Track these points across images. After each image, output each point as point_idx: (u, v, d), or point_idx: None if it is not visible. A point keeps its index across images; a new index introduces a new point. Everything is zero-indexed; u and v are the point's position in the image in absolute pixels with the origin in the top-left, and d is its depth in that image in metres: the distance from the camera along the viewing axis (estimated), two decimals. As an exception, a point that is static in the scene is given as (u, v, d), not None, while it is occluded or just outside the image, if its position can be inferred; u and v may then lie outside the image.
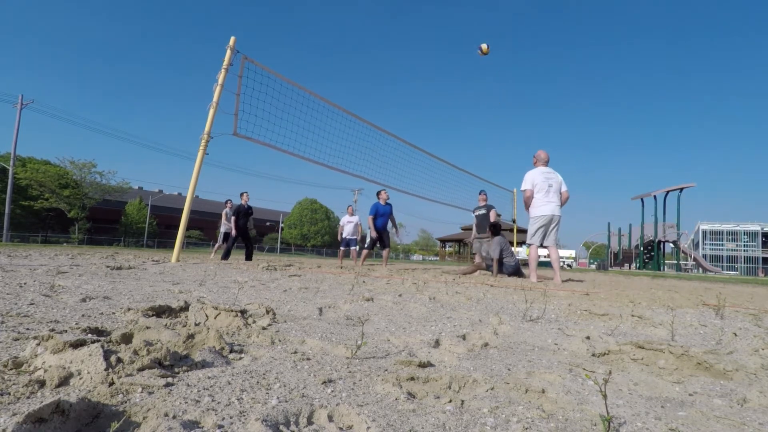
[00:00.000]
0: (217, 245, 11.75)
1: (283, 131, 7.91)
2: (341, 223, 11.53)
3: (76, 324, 1.60)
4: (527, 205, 6.20)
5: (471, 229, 8.78)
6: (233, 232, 9.61)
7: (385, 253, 9.65)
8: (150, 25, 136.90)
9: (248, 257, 9.88)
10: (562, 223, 6.17)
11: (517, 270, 7.35)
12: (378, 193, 9.60)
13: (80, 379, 0.99)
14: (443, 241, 52.67)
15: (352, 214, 11.48)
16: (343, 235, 11.41)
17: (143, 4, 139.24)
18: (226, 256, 9.38)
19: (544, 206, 6.01)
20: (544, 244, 6.10)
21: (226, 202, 11.69)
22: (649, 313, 2.70)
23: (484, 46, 8.04)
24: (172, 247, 7.05)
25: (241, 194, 9.89)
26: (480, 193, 9.06)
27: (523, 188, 6.26)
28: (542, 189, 6.02)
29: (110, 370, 1.01)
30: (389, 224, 9.68)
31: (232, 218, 9.64)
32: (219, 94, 6.68)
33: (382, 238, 9.52)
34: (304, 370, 1.19)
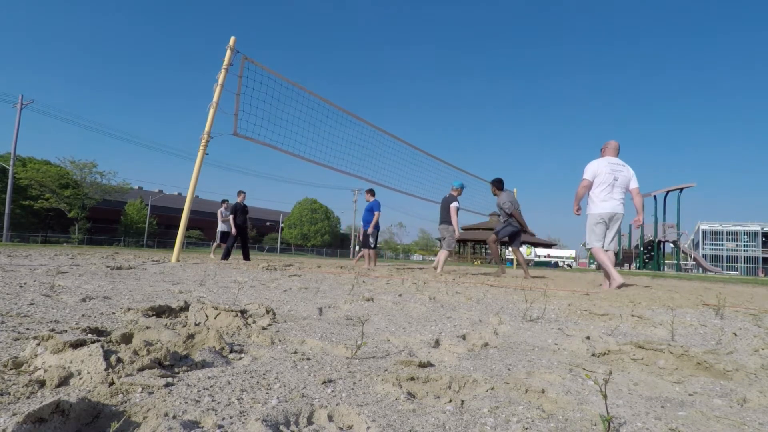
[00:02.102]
0: (215, 244, 11.77)
1: (283, 131, 7.94)
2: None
3: (76, 324, 1.60)
4: (578, 198, 5.13)
5: (471, 230, 8.69)
6: (233, 231, 9.61)
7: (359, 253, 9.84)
8: (150, 25, 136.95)
9: (245, 257, 9.86)
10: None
11: (517, 231, 7.36)
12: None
13: (80, 379, 0.99)
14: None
15: None
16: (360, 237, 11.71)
17: (143, 4, 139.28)
18: (226, 256, 9.37)
19: (605, 203, 4.97)
20: (602, 244, 5.08)
21: (222, 202, 11.69)
22: (649, 313, 2.70)
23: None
24: (172, 247, 7.05)
25: (239, 193, 9.89)
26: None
27: (582, 178, 5.17)
28: (605, 182, 4.95)
29: (110, 370, 1.01)
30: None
31: (230, 217, 9.64)
32: (219, 94, 6.68)
33: (365, 236, 9.74)
34: (304, 370, 1.19)
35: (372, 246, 9.69)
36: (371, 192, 9.79)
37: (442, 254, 7.82)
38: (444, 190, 12.48)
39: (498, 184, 7.63)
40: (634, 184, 5.06)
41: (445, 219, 7.76)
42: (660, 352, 1.47)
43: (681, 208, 25.60)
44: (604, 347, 1.62)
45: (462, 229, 7.85)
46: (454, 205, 7.72)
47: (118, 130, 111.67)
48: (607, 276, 5.08)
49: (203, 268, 5.51)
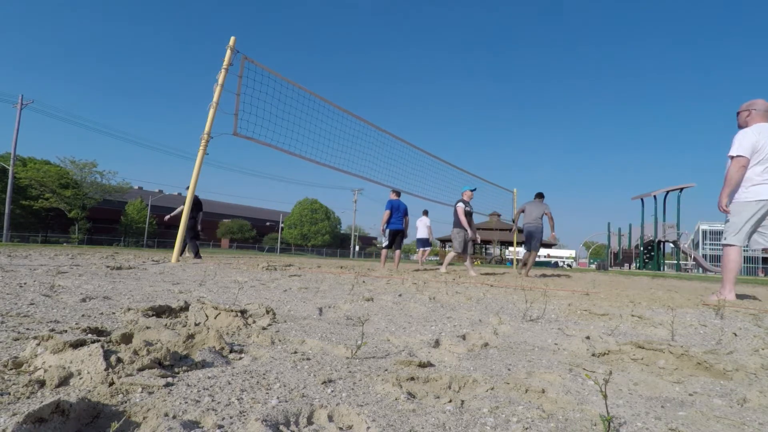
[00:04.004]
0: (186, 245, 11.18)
1: (283, 131, 7.87)
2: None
3: (76, 324, 1.60)
4: (734, 183, 3.73)
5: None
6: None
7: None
8: (150, 25, 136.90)
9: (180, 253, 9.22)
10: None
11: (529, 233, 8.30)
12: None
13: (80, 379, 0.99)
14: (443, 241, 52.70)
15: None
16: (416, 236, 12.45)
17: (143, 4, 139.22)
18: (180, 252, 8.91)
19: (765, 186, 3.65)
20: (745, 244, 3.81)
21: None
22: (649, 313, 2.70)
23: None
24: (172, 247, 7.05)
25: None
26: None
27: (734, 153, 3.72)
28: (766, 159, 3.63)
29: (110, 370, 1.01)
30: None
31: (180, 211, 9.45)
32: (219, 94, 6.68)
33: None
34: (304, 370, 1.19)
35: (384, 245, 9.44)
36: (394, 192, 9.27)
37: (449, 255, 8.16)
38: (444, 190, 12.50)
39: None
40: None
41: (454, 223, 8.00)
42: (660, 352, 1.47)
43: (681, 208, 25.57)
44: (604, 347, 1.62)
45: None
46: (459, 205, 7.94)
47: (118, 130, 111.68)
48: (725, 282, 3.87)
49: (203, 268, 5.51)
